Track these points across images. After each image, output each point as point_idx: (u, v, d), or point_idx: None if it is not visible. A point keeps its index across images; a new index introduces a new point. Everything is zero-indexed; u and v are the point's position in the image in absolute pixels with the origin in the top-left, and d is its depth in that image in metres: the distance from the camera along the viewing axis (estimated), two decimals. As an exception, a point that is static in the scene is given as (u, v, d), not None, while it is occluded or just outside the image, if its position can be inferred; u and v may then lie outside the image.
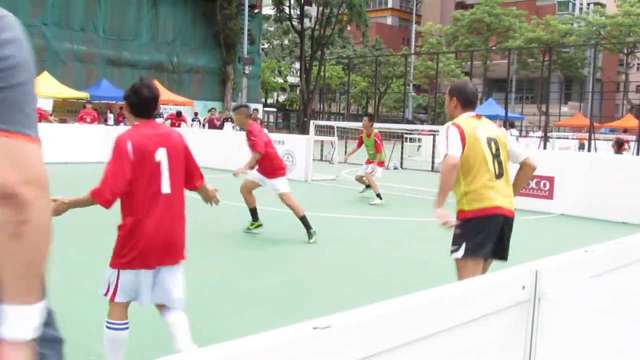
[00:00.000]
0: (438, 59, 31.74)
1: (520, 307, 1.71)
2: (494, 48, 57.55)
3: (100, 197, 3.20)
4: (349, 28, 56.75)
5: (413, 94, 56.88)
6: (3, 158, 1.28)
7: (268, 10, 54.73)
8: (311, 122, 18.23)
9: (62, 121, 24.04)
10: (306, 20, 51.71)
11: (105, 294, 3.39)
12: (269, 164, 8.10)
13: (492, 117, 38.86)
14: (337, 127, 21.99)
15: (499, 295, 1.64)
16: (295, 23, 51.96)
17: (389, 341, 1.35)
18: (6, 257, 1.29)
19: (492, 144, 4.33)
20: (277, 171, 8.16)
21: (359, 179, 13.24)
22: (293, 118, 59.27)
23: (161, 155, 3.35)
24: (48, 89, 26.13)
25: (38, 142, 1.38)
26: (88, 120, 19.94)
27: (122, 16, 34.96)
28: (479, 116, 4.51)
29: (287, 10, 51.45)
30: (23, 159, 1.31)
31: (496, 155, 4.32)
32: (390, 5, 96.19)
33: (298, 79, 60.68)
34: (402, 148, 23.23)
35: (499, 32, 58.97)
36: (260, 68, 46.93)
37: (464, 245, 4.24)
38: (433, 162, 22.83)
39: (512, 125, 26.90)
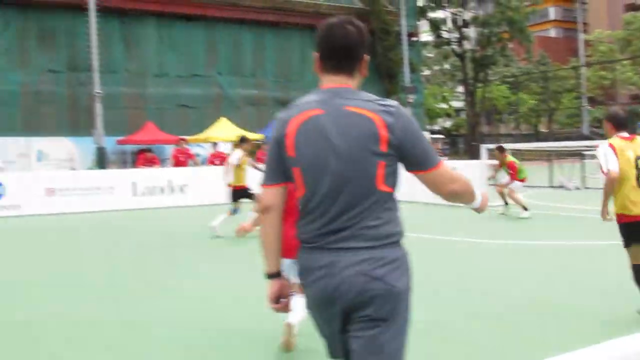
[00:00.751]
0: (613, 67, 29.88)
1: None
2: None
3: None
4: (511, 45, 55.23)
5: (588, 107, 53.89)
6: (445, 180, 2.52)
7: (426, 36, 54.75)
8: (482, 146, 17.84)
9: (241, 162, 25.42)
10: (465, 42, 51.07)
11: None
12: None
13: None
14: (509, 149, 21.36)
15: None
16: (454, 46, 51.50)
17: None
18: (463, 200, 2.64)
19: (639, 161, 5.51)
20: None
21: (500, 192, 14.44)
22: (460, 143, 58.46)
23: None
24: (226, 133, 27.86)
25: (441, 162, 2.54)
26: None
27: (287, 59, 36.60)
28: (630, 138, 5.66)
29: (445, 34, 51.16)
30: (447, 173, 2.52)
31: None
32: (552, 17, 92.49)
33: (462, 102, 59.85)
34: (582, 166, 22.03)
35: (680, 30, 54.56)
36: (424, 95, 46.90)
37: (623, 241, 5.66)
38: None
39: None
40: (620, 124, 5.76)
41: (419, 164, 2.49)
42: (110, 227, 13.99)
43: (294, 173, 2.54)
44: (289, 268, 3.73)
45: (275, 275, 2.71)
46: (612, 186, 5.50)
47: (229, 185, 12.01)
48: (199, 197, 18.07)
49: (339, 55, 2.62)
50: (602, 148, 5.64)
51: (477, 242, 10.21)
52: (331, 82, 2.63)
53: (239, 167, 11.83)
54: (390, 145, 2.43)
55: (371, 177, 2.44)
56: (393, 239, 2.49)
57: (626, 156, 5.50)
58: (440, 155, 15.12)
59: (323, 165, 2.47)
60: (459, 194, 2.57)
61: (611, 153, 5.53)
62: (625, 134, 5.68)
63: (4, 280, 8.13)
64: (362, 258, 2.42)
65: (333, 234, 2.47)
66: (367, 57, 2.68)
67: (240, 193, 11.90)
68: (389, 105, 2.48)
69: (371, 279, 2.42)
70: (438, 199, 2.70)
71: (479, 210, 2.74)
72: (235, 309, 6.35)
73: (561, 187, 21.39)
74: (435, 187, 2.53)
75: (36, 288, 7.58)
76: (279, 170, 2.58)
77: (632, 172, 5.47)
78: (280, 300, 2.73)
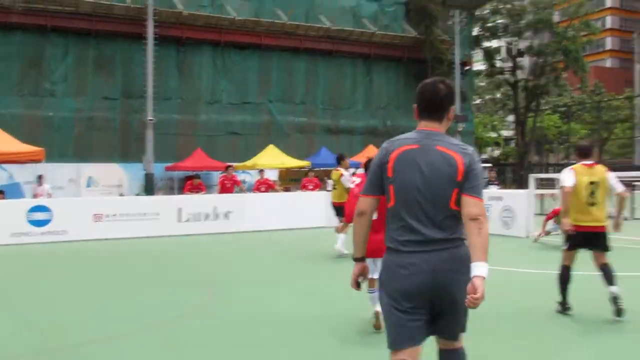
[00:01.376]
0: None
1: None
2: None
3: None
4: (565, 75, 54.30)
5: (640, 137, 52.51)
6: (475, 205, 3.29)
7: (479, 66, 54.32)
8: (530, 175, 17.51)
9: (287, 189, 25.58)
10: (518, 72, 50.44)
11: None
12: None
13: None
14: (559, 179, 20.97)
15: None
16: (507, 76, 50.94)
17: None
18: (475, 240, 3.23)
19: (591, 185, 7.02)
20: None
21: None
22: (509, 172, 57.53)
23: None
24: (273, 160, 28.12)
25: (482, 200, 3.34)
26: (310, 187, 20.99)
27: (338, 87, 36.78)
28: (591, 165, 7.16)
29: (498, 64, 50.68)
30: (481, 206, 3.29)
31: (592, 193, 7.02)
32: (609, 47, 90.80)
33: (512, 132, 58.98)
34: (632, 197, 21.45)
35: None
36: (474, 124, 46.45)
37: (567, 244, 7.23)
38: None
39: None
40: (583, 153, 7.30)
41: (469, 190, 3.33)
42: (154, 252, 14.23)
43: (389, 189, 3.43)
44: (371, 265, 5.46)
45: (360, 259, 3.70)
46: (566, 199, 7.06)
47: (335, 202, 13.10)
48: (243, 224, 18.23)
49: (430, 107, 3.50)
50: (566, 170, 7.27)
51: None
52: (425, 126, 3.50)
53: (339, 184, 12.81)
54: (463, 177, 3.33)
55: (447, 198, 3.34)
56: (462, 241, 3.37)
57: (581, 180, 7.03)
58: (495, 184, 15.23)
59: (412, 186, 3.35)
60: (480, 228, 3.27)
61: (571, 172, 7.13)
62: (588, 162, 7.20)
63: (49, 300, 8.37)
64: (444, 257, 3.31)
65: (420, 240, 3.33)
66: (453, 108, 3.54)
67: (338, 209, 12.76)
68: (467, 149, 3.44)
69: (452, 272, 3.31)
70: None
71: (477, 288, 3.16)
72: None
73: (610, 217, 20.90)
74: (470, 208, 3.30)
75: (76, 313, 7.77)
76: (377, 186, 3.50)
77: (584, 193, 7.02)
78: (360, 279, 3.72)
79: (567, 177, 7.08)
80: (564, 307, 7.29)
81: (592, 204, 7.04)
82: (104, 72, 30.53)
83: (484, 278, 3.20)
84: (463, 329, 3.52)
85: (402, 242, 3.36)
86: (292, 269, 11.26)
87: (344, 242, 12.30)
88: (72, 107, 29.48)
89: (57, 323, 7.23)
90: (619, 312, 6.83)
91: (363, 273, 3.72)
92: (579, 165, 7.17)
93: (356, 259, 3.71)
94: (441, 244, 3.32)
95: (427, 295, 3.32)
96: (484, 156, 66.89)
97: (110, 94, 30.59)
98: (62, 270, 11.63)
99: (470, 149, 3.45)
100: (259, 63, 34.24)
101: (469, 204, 3.31)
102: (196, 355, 5.83)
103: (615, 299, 6.87)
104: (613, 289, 6.92)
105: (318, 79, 36.13)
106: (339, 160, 13.04)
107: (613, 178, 7.21)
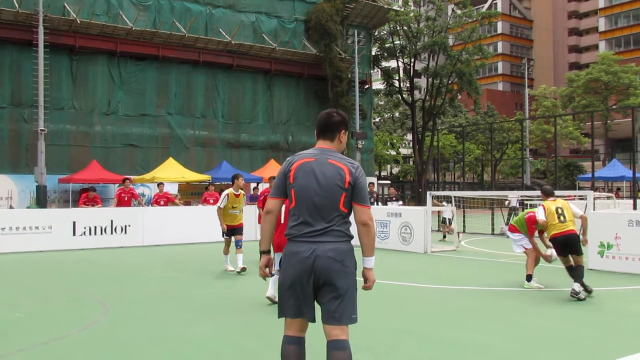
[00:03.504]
0: (555, 121, 30.78)
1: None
2: (614, 107, 55.36)
3: None
4: (459, 97, 56.42)
5: (530, 158, 55.27)
6: (364, 213, 4.12)
7: (378, 85, 55.56)
8: (428, 192, 17.96)
9: (187, 203, 25.09)
10: (416, 92, 51.95)
11: None
12: None
13: (617, 179, 37.00)
14: (454, 197, 21.71)
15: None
16: (405, 95, 52.34)
17: None
18: (365, 240, 4.16)
19: (559, 209, 9.66)
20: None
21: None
22: (407, 189, 59.08)
23: None
24: (173, 173, 27.56)
25: (370, 207, 4.20)
26: (211, 201, 20.67)
27: (239, 101, 36.66)
28: (554, 199, 10.00)
29: (396, 83, 52.06)
30: (369, 213, 4.15)
31: (561, 214, 9.59)
32: (500, 71, 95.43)
33: (411, 150, 60.65)
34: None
35: (619, 90, 56.68)
36: (373, 142, 47.42)
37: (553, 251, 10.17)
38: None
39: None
40: (548, 194, 10.19)
41: (359, 200, 4.16)
42: (45, 267, 13.51)
43: (291, 192, 4.17)
44: (276, 258, 6.66)
45: (266, 252, 4.35)
46: (543, 226, 9.99)
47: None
48: (142, 238, 17.73)
49: (324, 130, 4.34)
50: (541, 207, 10.03)
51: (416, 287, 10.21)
52: (321, 144, 4.33)
53: (224, 209, 12.17)
54: (349, 185, 4.11)
55: (337, 201, 4.10)
56: (347, 238, 4.14)
57: (551, 209, 9.74)
58: (394, 200, 15.55)
59: (309, 190, 4.10)
60: (369, 230, 4.14)
61: (542, 210, 9.90)
62: (552, 198, 10.04)
63: None
64: (330, 248, 4.03)
65: (313, 232, 4.06)
66: (344, 132, 4.35)
67: (230, 231, 12.33)
68: (354, 163, 4.24)
69: (335, 261, 4.02)
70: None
71: (368, 278, 4.22)
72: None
73: (502, 234, 21.90)
74: (360, 216, 4.12)
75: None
76: (282, 190, 4.24)
77: (555, 215, 9.64)
78: (265, 269, 4.35)
79: (541, 214, 9.89)
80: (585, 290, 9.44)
81: (563, 221, 9.58)
82: (-9, 79, 29.08)
83: (372, 268, 4.22)
84: (348, 317, 4.06)
85: (300, 233, 4.08)
86: (190, 284, 10.98)
87: (228, 261, 12.59)
88: (-44, 115, 27.87)
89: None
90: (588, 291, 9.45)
91: (268, 264, 4.37)
92: (548, 201, 9.96)
93: (262, 252, 4.36)
94: (330, 237, 4.05)
95: (314, 277, 4.00)
96: (383, 173, 68.49)
97: (-3, 102, 29.15)
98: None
99: (356, 164, 4.26)
100: (157, 75, 33.64)
101: (358, 212, 4.13)
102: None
103: (575, 292, 9.10)
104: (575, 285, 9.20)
105: (218, 92, 35.89)
106: (232, 179, 12.51)
107: (575, 205, 10.03)
